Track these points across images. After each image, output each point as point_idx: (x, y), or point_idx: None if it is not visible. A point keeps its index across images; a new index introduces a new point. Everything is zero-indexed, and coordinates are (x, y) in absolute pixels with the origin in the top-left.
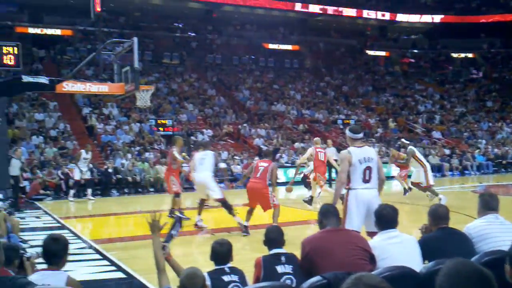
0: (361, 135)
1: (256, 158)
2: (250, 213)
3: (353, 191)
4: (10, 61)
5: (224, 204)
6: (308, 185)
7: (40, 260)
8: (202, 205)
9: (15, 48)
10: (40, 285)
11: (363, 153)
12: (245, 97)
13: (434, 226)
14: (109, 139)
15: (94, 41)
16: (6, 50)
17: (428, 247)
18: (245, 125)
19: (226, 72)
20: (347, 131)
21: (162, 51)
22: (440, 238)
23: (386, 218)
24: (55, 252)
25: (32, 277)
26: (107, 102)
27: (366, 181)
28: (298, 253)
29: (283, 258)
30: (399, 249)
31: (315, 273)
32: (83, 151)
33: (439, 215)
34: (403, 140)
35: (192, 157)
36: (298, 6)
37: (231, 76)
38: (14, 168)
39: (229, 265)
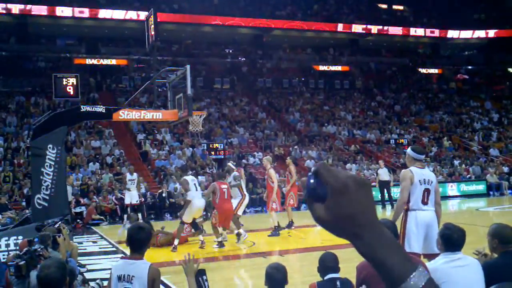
0: (423, 156)
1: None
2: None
3: (413, 212)
4: (70, 92)
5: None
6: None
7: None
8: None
9: (74, 79)
10: None
11: (424, 174)
12: (295, 119)
13: (499, 249)
14: (162, 164)
15: (148, 70)
16: (66, 81)
17: (493, 274)
18: (295, 147)
19: (276, 95)
20: (409, 151)
21: (213, 76)
22: (507, 264)
23: (456, 241)
24: (140, 240)
25: (117, 264)
26: (160, 128)
27: (424, 203)
28: (351, 277)
29: (338, 284)
30: (462, 273)
31: None
32: (127, 173)
33: (505, 237)
34: (229, 164)
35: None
36: (340, 27)
37: (281, 99)
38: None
39: None
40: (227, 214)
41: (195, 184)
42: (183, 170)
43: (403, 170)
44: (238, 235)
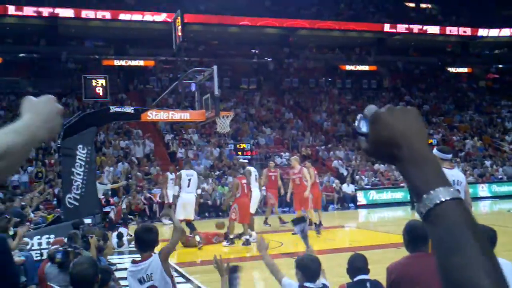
0: (450, 155)
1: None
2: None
3: None
4: (99, 93)
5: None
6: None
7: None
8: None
9: (103, 80)
10: None
11: (453, 175)
12: (322, 119)
13: None
14: None
15: (175, 70)
16: (96, 82)
17: None
18: (323, 147)
19: (303, 95)
20: (435, 151)
21: (240, 77)
22: None
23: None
24: (149, 241)
25: (132, 270)
26: (188, 128)
27: None
28: (380, 278)
29: (368, 285)
30: None
31: None
32: (168, 173)
33: None
34: (241, 160)
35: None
36: (367, 26)
37: (308, 99)
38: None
39: (324, 281)
40: (246, 208)
41: (190, 179)
42: (185, 163)
43: None
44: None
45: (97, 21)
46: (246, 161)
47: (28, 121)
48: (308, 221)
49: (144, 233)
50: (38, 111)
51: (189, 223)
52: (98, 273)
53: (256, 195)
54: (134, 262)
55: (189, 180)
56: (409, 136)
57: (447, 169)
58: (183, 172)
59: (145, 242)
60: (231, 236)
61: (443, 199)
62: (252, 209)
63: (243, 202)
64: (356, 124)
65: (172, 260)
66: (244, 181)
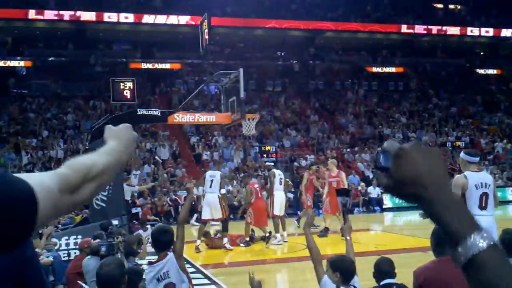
0: (478, 158)
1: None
2: None
3: None
4: (127, 95)
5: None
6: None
7: None
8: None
9: (131, 83)
10: None
11: (480, 178)
12: (348, 121)
13: None
14: None
15: (201, 73)
16: (123, 85)
17: None
18: (348, 149)
19: (328, 97)
20: (462, 154)
21: (265, 79)
22: None
23: None
24: (165, 241)
25: (150, 270)
26: (213, 131)
27: (482, 208)
28: (406, 282)
29: None
30: None
31: None
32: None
33: None
34: (267, 163)
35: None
36: (394, 28)
37: (334, 101)
38: (126, 193)
39: (354, 283)
40: (261, 211)
41: (212, 180)
42: (217, 163)
43: (456, 176)
44: (268, 237)
45: (124, 25)
46: (272, 163)
47: (115, 146)
48: (351, 197)
49: (160, 234)
50: (120, 137)
51: (224, 222)
52: (124, 274)
53: (280, 198)
54: (150, 263)
55: (211, 180)
56: (436, 177)
57: (475, 172)
58: (207, 173)
59: (161, 243)
60: (247, 239)
61: (481, 248)
62: (277, 211)
63: (256, 206)
64: (375, 157)
65: (197, 262)
66: (256, 185)
